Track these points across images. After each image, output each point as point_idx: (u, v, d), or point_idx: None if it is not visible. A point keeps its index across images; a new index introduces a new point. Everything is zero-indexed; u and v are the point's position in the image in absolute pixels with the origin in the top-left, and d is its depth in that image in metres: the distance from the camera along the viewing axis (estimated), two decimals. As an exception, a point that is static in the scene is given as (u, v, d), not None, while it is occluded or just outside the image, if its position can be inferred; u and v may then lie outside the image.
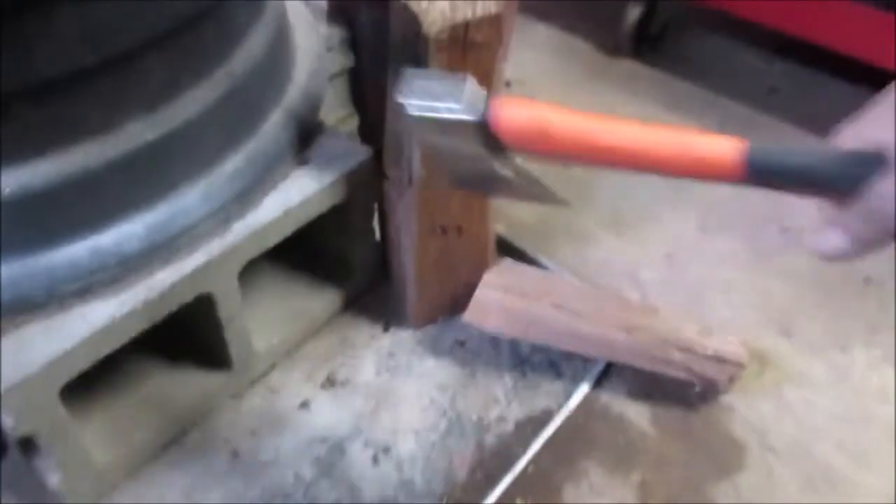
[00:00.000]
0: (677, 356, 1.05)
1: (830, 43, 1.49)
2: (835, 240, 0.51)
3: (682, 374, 1.06)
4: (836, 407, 1.11)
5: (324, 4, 1.18)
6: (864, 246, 0.50)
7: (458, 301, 1.15)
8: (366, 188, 1.07)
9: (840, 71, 1.68)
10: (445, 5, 0.84)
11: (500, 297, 1.10)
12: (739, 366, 1.06)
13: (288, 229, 0.99)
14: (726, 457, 1.05)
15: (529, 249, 1.29)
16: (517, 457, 1.03)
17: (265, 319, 1.12)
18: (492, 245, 1.18)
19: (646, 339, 1.06)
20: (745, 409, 1.10)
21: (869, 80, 1.65)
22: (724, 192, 1.45)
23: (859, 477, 1.03)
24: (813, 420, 1.10)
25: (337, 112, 1.25)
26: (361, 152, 1.05)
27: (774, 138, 1.58)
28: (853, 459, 1.05)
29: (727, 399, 1.11)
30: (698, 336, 1.07)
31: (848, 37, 1.46)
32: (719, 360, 1.05)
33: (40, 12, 0.67)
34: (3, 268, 0.79)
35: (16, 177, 0.75)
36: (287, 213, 0.97)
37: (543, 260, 1.27)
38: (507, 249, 1.30)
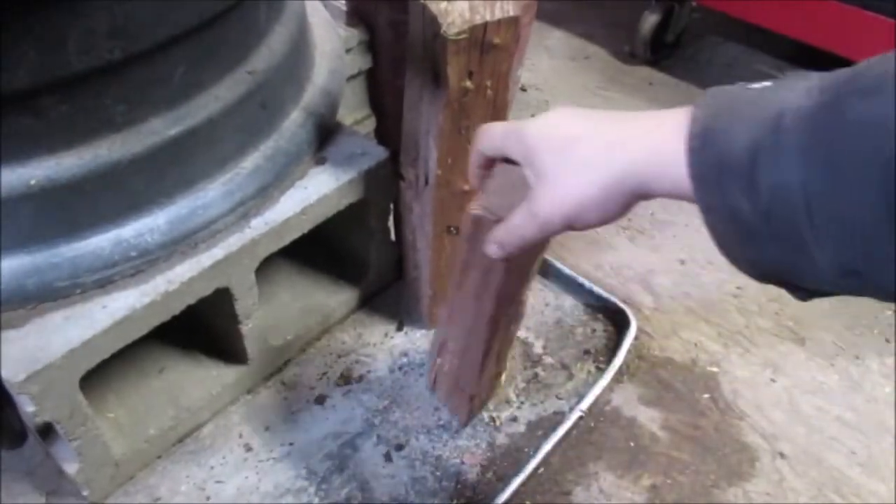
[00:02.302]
0: None
1: (845, 51, 1.49)
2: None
3: None
4: (848, 415, 1.11)
5: (343, 5, 1.19)
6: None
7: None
8: (382, 188, 1.08)
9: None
10: (465, 6, 0.85)
11: None
12: None
13: (305, 226, 1.00)
14: (737, 463, 1.05)
15: (544, 253, 1.29)
16: (528, 458, 1.03)
17: (281, 315, 1.14)
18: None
19: None
20: (756, 416, 1.10)
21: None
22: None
23: (870, 486, 1.03)
24: (825, 428, 1.10)
25: (355, 113, 1.26)
26: (378, 153, 1.06)
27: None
28: (864, 468, 1.05)
29: (739, 405, 1.11)
30: None
31: (862, 45, 1.46)
32: None
33: (70, 7, 0.69)
34: (29, 257, 0.80)
35: (42, 169, 0.77)
36: (304, 211, 0.98)
37: (558, 264, 1.28)
38: (521, 252, 1.30)
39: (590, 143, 0.53)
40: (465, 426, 1.06)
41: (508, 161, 0.62)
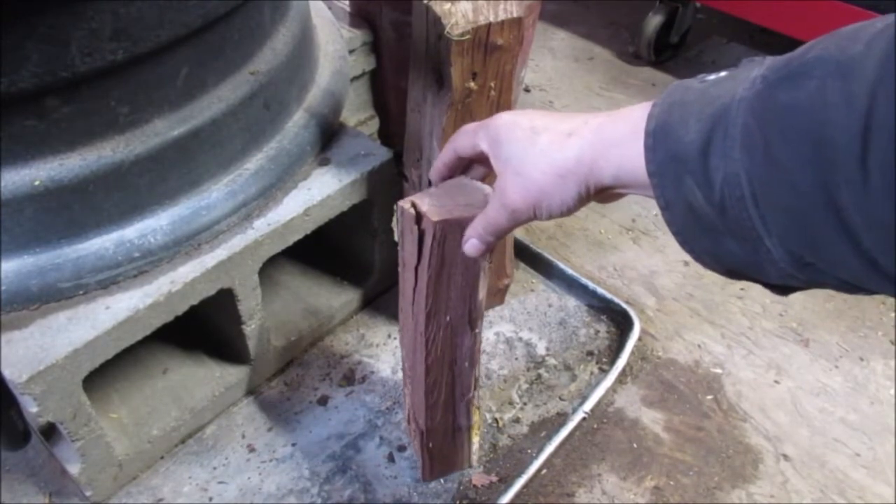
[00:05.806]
0: None
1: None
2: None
3: None
4: (852, 417, 1.11)
5: (347, 6, 1.20)
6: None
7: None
8: (386, 189, 1.08)
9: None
10: (468, 7, 0.85)
11: None
12: None
13: (308, 227, 1.00)
14: (740, 465, 1.05)
15: (547, 254, 1.30)
16: (531, 459, 1.03)
17: (284, 316, 1.14)
18: (510, 250, 1.18)
19: None
20: (760, 418, 1.10)
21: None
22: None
23: (874, 488, 1.02)
24: (829, 430, 1.09)
25: (358, 114, 1.26)
26: (382, 153, 1.06)
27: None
28: (869, 471, 1.04)
29: (743, 407, 1.11)
30: None
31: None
32: None
33: (74, 9, 0.69)
34: (32, 258, 0.80)
35: (46, 170, 0.77)
36: (308, 212, 0.98)
37: (561, 265, 1.27)
38: (526, 254, 1.30)
39: (550, 133, 0.56)
40: (427, 479, 1.00)
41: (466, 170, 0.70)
